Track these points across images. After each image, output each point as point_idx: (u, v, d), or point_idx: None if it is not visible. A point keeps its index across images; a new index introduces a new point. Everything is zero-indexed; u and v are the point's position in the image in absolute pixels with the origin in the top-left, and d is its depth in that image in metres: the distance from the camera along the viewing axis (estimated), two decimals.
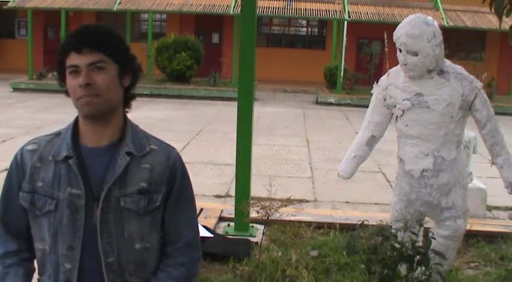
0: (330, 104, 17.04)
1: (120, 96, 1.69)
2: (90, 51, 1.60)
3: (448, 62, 3.51)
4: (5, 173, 1.76)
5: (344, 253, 4.20)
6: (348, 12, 18.26)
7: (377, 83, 3.75)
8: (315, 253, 4.40)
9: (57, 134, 1.73)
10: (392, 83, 3.58)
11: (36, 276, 1.76)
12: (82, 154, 1.66)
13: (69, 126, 1.71)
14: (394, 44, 3.45)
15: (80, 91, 1.60)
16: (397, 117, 3.57)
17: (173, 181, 1.72)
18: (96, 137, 1.68)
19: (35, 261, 1.76)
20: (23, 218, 1.72)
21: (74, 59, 1.61)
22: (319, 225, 5.11)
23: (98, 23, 1.71)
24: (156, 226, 1.72)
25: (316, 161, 8.94)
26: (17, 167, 1.71)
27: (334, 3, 18.94)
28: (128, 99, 1.74)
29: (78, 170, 1.64)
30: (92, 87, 1.60)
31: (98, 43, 1.61)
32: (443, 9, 18.73)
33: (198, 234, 1.83)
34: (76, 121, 1.71)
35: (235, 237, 4.74)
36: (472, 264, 4.52)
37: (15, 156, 1.72)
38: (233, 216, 4.95)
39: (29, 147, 1.71)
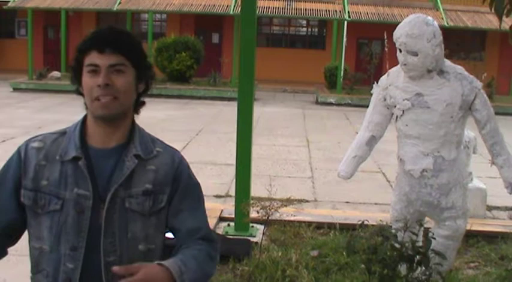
0: (330, 104, 17.04)
1: (133, 100, 1.70)
2: (112, 52, 1.60)
3: (448, 62, 3.51)
4: None
5: (344, 253, 4.21)
6: (348, 12, 18.27)
7: (377, 83, 3.74)
8: (315, 253, 4.40)
9: (63, 133, 1.72)
10: (393, 83, 3.57)
11: (28, 274, 1.74)
12: (89, 155, 1.66)
13: (76, 126, 1.71)
14: (394, 44, 3.45)
15: (97, 91, 1.60)
16: (397, 117, 3.57)
17: (178, 181, 1.73)
18: (105, 138, 1.68)
19: (30, 260, 1.73)
20: (8, 214, 1.68)
21: (94, 58, 1.61)
22: (319, 225, 5.11)
23: (119, 26, 1.71)
24: (160, 227, 1.73)
25: (316, 161, 8.94)
26: (19, 162, 1.68)
27: (334, 3, 18.95)
28: (137, 105, 1.75)
29: (87, 171, 1.64)
30: (110, 89, 1.60)
31: (121, 45, 1.62)
32: (443, 9, 18.74)
33: (210, 230, 1.82)
34: (84, 121, 1.71)
35: (235, 237, 4.74)
36: (472, 264, 4.52)
37: (19, 151, 1.70)
38: (233, 216, 4.94)
39: (35, 144, 1.69)
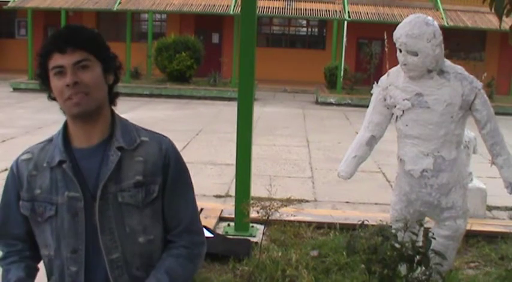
0: (330, 104, 17.04)
1: (105, 94, 1.70)
2: (73, 50, 1.60)
3: (448, 62, 3.51)
4: (4, 174, 1.77)
5: (344, 253, 4.20)
6: (348, 12, 18.26)
7: (377, 83, 3.74)
8: (315, 253, 4.39)
9: (49, 141, 1.74)
10: (392, 83, 3.57)
11: (45, 280, 1.76)
12: (75, 157, 1.67)
13: (59, 132, 1.72)
14: (394, 44, 3.45)
15: (68, 90, 1.60)
16: (397, 117, 3.57)
17: (167, 169, 1.72)
18: (87, 137, 1.68)
19: (43, 267, 1.76)
20: (23, 227, 1.73)
21: (57, 60, 1.60)
22: (319, 225, 5.11)
23: (75, 24, 1.73)
24: (157, 217, 1.73)
25: (316, 161, 8.94)
26: (14, 178, 1.72)
27: (334, 3, 18.95)
28: (112, 97, 1.75)
29: (73, 173, 1.64)
30: (80, 86, 1.60)
31: (81, 42, 1.62)
32: (443, 9, 18.73)
33: (197, 218, 1.82)
34: (65, 125, 1.72)
35: (235, 237, 4.74)
36: (472, 264, 4.52)
37: (11, 168, 1.74)
38: (233, 216, 4.94)
39: (23, 157, 1.73)
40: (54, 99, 1.67)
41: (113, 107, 1.76)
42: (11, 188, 1.73)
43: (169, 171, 1.72)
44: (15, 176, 1.71)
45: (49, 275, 1.73)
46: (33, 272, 1.75)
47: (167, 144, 1.75)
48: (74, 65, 1.60)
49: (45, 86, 1.67)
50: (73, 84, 1.59)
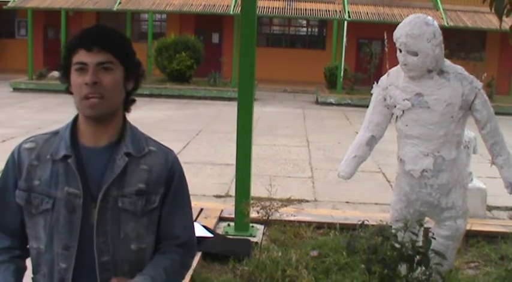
0: (330, 104, 17.05)
1: (122, 99, 1.69)
2: (99, 50, 1.60)
3: (448, 62, 3.51)
4: None
5: (344, 253, 4.21)
6: (348, 12, 18.27)
7: (377, 83, 3.74)
8: (315, 253, 4.40)
9: (55, 133, 1.72)
10: (392, 83, 3.57)
11: (30, 275, 1.75)
12: (81, 153, 1.66)
13: (67, 125, 1.71)
14: (394, 44, 3.45)
15: (85, 89, 1.60)
16: (397, 117, 3.57)
17: (171, 182, 1.73)
18: (96, 137, 1.68)
19: (29, 260, 1.75)
20: (17, 216, 1.71)
21: (82, 56, 1.60)
22: (319, 225, 5.11)
23: (109, 25, 1.72)
24: (152, 227, 1.73)
25: (316, 161, 8.94)
26: (14, 165, 1.70)
27: (334, 3, 18.95)
28: (127, 103, 1.74)
29: (77, 169, 1.64)
30: (98, 87, 1.60)
31: (109, 43, 1.62)
32: (443, 9, 18.74)
33: (194, 233, 1.84)
34: (75, 120, 1.71)
35: (235, 237, 4.74)
36: (472, 264, 4.52)
37: (12, 154, 1.72)
38: (233, 216, 4.94)
39: (27, 145, 1.71)
40: (71, 92, 1.66)
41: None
42: (10, 174, 1.71)
43: (172, 184, 1.73)
44: (15, 163, 1.70)
45: (36, 268, 1.71)
46: (22, 274, 1.74)
47: (173, 158, 1.76)
48: (96, 65, 1.60)
49: (64, 78, 1.66)
50: (92, 84, 1.59)
